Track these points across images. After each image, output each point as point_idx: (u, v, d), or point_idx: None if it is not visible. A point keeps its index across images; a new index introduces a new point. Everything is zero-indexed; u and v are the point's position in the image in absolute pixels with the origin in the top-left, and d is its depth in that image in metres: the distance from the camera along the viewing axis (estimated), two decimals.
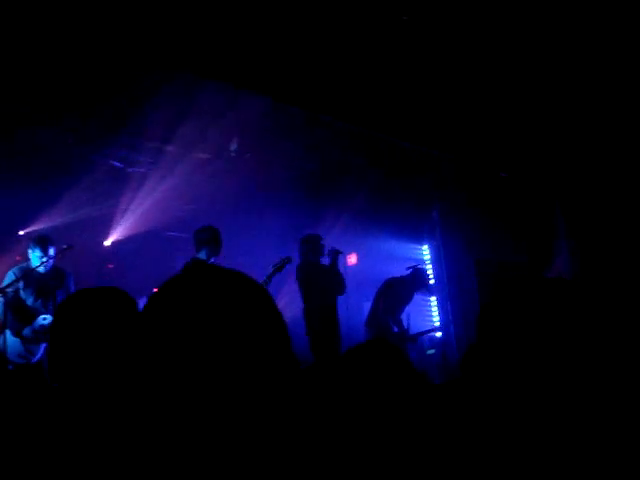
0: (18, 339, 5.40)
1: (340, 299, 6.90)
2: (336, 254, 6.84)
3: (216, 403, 0.93)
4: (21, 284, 5.54)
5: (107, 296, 1.75)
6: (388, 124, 6.71)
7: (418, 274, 7.93)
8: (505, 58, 5.74)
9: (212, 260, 5.93)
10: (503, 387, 1.25)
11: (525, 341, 1.26)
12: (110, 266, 8.52)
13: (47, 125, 6.85)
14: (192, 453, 0.93)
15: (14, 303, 5.48)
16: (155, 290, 1.08)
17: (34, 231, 7.22)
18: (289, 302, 7.33)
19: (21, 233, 7.43)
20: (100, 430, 1.48)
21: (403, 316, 7.64)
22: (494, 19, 5.20)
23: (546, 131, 6.87)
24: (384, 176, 8.60)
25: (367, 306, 8.04)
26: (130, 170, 7.88)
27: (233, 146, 7.97)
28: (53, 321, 1.78)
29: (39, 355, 5.47)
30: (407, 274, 7.90)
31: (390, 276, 7.88)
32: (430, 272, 9.18)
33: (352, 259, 9.51)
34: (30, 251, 5.58)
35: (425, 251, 9.65)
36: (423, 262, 9.36)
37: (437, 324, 8.94)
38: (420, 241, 9.64)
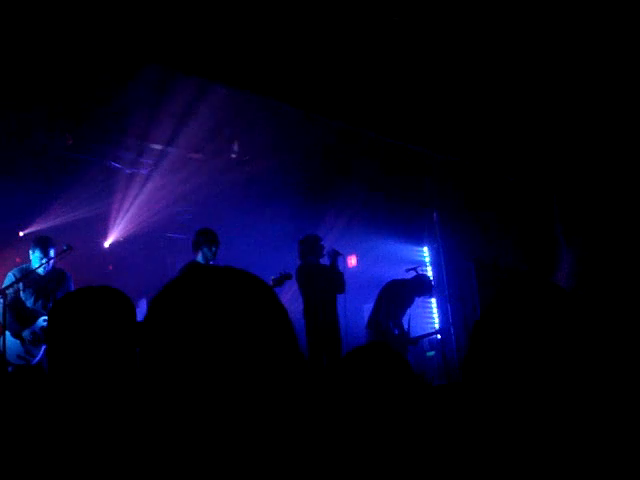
0: (18, 340, 5.40)
1: (339, 300, 6.91)
2: (336, 255, 6.85)
3: (223, 403, 0.93)
4: (21, 285, 5.54)
5: (102, 295, 1.75)
6: (389, 126, 6.71)
7: (422, 280, 7.93)
8: (504, 60, 5.74)
9: (210, 263, 5.94)
10: (504, 389, 1.25)
11: (525, 345, 1.26)
12: (110, 267, 8.52)
13: (46, 126, 6.86)
14: (196, 453, 0.93)
15: (14, 305, 5.48)
16: (157, 292, 1.07)
17: (34, 232, 7.22)
18: (288, 302, 7.33)
19: (21, 234, 7.43)
20: (98, 429, 1.48)
21: (404, 319, 7.64)
22: (495, 23, 5.21)
23: (546, 135, 6.87)
24: (384, 178, 8.61)
25: (367, 308, 8.03)
26: (129, 172, 7.88)
27: (234, 148, 7.98)
28: (48, 321, 1.78)
29: (39, 356, 5.46)
30: (410, 278, 7.89)
31: (391, 278, 7.87)
32: (430, 274, 9.18)
33: (352, 261, 9.52)
34: (30, 252, 5.59)
35: (425, 253, 9.66)
36: (423, 264, 9.36)
37: (437, 326, 8.94)
38: (420, 243, 9.64)
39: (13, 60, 5.44)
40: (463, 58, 5.70)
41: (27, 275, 5.52)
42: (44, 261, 5.51)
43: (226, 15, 4.85)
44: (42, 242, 5.59)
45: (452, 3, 5.05)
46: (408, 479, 1.42)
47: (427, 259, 9.57)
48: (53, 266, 5.68)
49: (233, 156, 8.22)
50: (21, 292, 5.56)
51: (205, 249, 5.91)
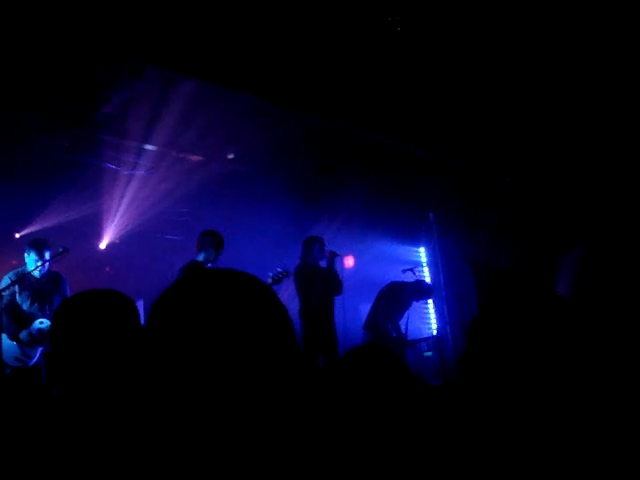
0: (15, 343, 5.39)
1: (337, 301, 6.92)
2: (333, 256, 6.86)
3: (224, 404, 0.93)
4: (17, 288, 5.53)
5: (105, 299, 1.75)
6: (386, 128, 6.72)
7: (421, 284, 7.94)
8: (502, 60, 5.75)
9: (208, 265, 5.93)
10: (500, 388, 1.25)
11: (520, 344, 1.27)
12: (107, 269, 8.51)
13: (42, 128, 6.85)
14: (197, 453, 0.93)
15: (10, 308, 5.46)
16: (159, 296, 1.07)
17: (30, 234, 7.22)
18: (285, 301, 7.31)
19: (17, 236, 7.42)
20: (98, 434, 1.48)
21: (402, 321, 7.65)
22: (494, 25, 5.22)
23: (544, 136, 6.88)
24: (381, 179, 8.61)
25: (364, 308, 8.03)
26: (126, 173, 7.88)
27: (231, 150, 7.99)
28: (51, 325, 1.77)
29: (36, 358, 5.45)
30: (410, 281, 7.90)
31: (388, 279, 7.88)
32: (427, 275, 9.19)
33: (349, 262, 9.52)
34: (26, 255, 5.57)
35: (422, 254, 9.67)
36: (420, 265, 9.37)
37: (435, 332, 8.95)
38: (417, 244, 9.65)
39: (9, 62, 5.44)
40: (459, 59, 5.71)
41: (23, 278, 5.50)
42: (40, 264, 5.50)
43: (221, 15, 4.86)
44: (37, 244, 5.58)
45: (452, 5, 5.06)
46: (404, 478, 1.42)
47: (424, 260, 9.58)
48: (49, 268, 5.66)
49: (230, 157, 8.23)
50: (17, 295, 5.55)
51: (210, 250, 5.92)
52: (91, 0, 4.54)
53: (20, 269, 5.62)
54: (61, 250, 5.65)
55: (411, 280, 7.93)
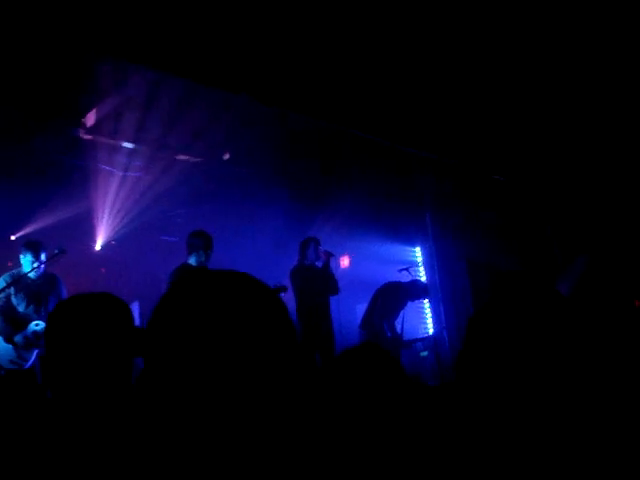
0: (10, 345, 5.38)
1: (332, 301, 6.93)
2: (328, 256, 6.87)
3: (227, 405, 0.93)
4: (12, 290, 5.51)
5: (100, 302, 1.75)
6: (383, 128, 6.72)
7: (417, 285, 7.96)
8: (500, 61, 5.76)
9: (202, 266, 5.89)
10: (497, 388, 1.26)
11: (517, 344, 1.27)
12: (102, 270, 8.50)
13: (38, 130, 6.84)
14: (198, 454, 0.93)
15: (5, 310, 5.45)
16: (161, 299, 1.06)
17: (26, 235, 7.21)
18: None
19: (13, 238, 7.40)
20: (93, 436, 1.48)
21: (397, 321, 7.66)
22: (490, 24, 5.23)
23: (541, 135, 6.89)
24: (377, 179, 8.62)
25: (360, 308, 8.04)
26: (121, 174, 7.88)
27: (226, 156, 8.00)
28: (46, 328, 1.77)
29: (31, 361, 5.44)
30: (405, 281, 7.92)
31: (384, 279, 7.89)
32: (422, 275, 9.20)
33: (345, 261, 9.53)
34: (21, 256, 5.54)
35: (417, 253, 9.68)
36: (416, 264, 9.38)
37: (431, 332, 8.96)
38: (413, 243, 9.66)
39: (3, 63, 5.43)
40: (457, 60, 5.71)
41: (18, 280, 5.49)
42: (36, 265, 5.48)
43: (215, 17, 4.85)
44: (33, 246, 5.56)
45: (452, 7, 5.06)
46: (402, 478, 1.42)
47: (420, 259, 9.59)
48: (44, 270, 5.65)
49: (226, 157, 8.23)
50: (12, 297, 5.52)
51: (200, 252, 5.82)
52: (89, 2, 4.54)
53: (15, 271, 5.60)
54: (57, 251, 5.64)
55: (407, 280, 7.95)
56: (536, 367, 1.23)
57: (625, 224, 6.64)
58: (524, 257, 8.00)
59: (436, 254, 9.05)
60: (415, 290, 7.86)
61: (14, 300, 5.53)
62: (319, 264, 6.87)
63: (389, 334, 7.51)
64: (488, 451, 1.19)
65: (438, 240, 8.99)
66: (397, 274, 8.15)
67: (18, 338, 5.38)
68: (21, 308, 5.53)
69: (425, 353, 8.20)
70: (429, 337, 8.55)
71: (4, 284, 5.45)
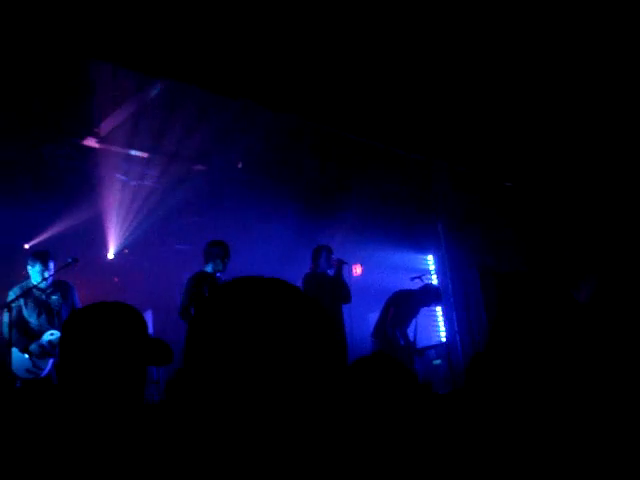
0: (25, 355, 5.39)
1: (345, 309, 6.92)
2: (340, 264, 6.87)
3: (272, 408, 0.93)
4: (22, 302, 5.49)
5: (113, 311, 1.76)
6: (393, 135, 6.72)
7: (429, 290, 7.94)
8: (508, 66, 5.75)
9: (218, 275, 5.99)
10: (507, 396, 1.26)
11: (531, 353, 1.27)
12: (115, 280, 8.54)
13: (49, 139, 6.90)
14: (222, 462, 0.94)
15: (18, 322, 5.43)
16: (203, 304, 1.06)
17: (39, 243, 7.26)
18: None
19: (26, 247, 7.45)
20: (109, 443, 1.49)
21: (410, 329, 7.63)
22: (495, 25, 5.22)
23: (549, 141, 6.87)
24: (389, 186, 8.63)
25: (372, 317, 8.02)
26: (134, 184, 7.92)
27: (239, 165, 8.03)
28: (61, 336, 1.78)
29: (47, 369, 5.46)
30: (417, 288, 7.90)
31: (397, 287, 7.88)
32: (435, 282, 9.17)
33: (357, 270, 9.52)
34: (30, 267, 5.53)
35: (430, 261, 9.65)
36: (428, 272, 9.36)
37: (444, 339, 8.91)
38: (425, 251, 9.64)
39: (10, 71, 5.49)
40: (471, 67, 5.70)
41: (28, 292, 5.47)
42: (46, 275, 5.49)
43: (214, 20, 4.86)
44: (41, 256, 5.56)
45: (452, 9, 5.06)
46: None
47: (432, 267, 9.56)
48: (54, 279, 5.64)
49: (239, 166, 8.26)
50: (24, 309, 5.51)
51: (217, 261, 5.98)
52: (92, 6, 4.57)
53: (24, 283, 5.59)
54: (70, 260, 5.66)
55: (419, 287, 7.93)
56: (547, 374, 1.23)
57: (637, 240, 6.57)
58: (536, 265, 7.96)
59: (448, 262, 9.02)
60: (428, 296, 7.84)
61: (25, 312, 5.52)
62: (331, 272, 6.88)
63: (402, 342, 7.48)
64: (494, 455, 1.19)
65: (450, 248, 8.96)
66: (410, 282, 8.13)
67: (33, 347, 5.40)
68: (33, 319, 5.52)
69: (438, 361, 8.17)
70: (442, 345, 8.51)
71: (14, 296, 5.45)
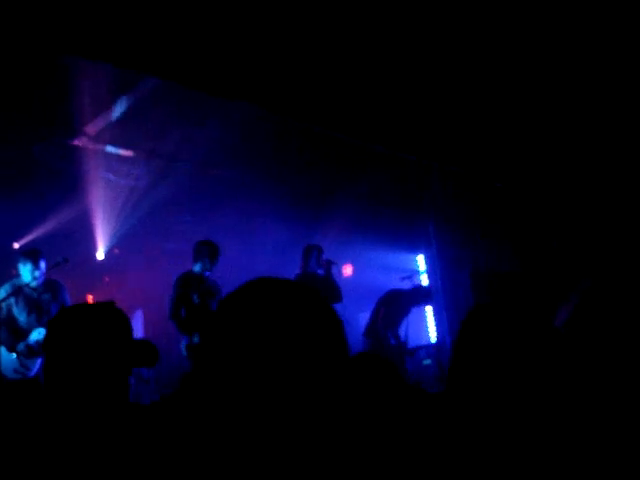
0: (13, 355, 5.38)
1: (335, 309, 6.92)
2: (329, 264, 6.88)
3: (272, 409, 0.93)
4: (12, 301, 5.48)
5: (100, 312, 1.76)
6: (384, 136, 6.73)
7: (419, 290, 7.97)
8: (499, 67, 5.77)
9: (206, 274, 6.01)
10: (489, 394, 1.26)
11: (505, 354, 1.28)
12: (106, 279, 8.51)
13: (40, 138, 6.87)
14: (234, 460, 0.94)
15: (7, 320, 5.43)
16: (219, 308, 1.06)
17: (29, 242, 7.23)
18: None
19: (16, 246, 7.42)
20: (96, 442, 1.49)
21: (401, 328, 7.66)
22: (484, 26, 5.23)
23: (543, 142, 6.88)
24: (379, 186, 8.63)
25: (363, 316, 8.04)
26: (123, 182, 7.89)
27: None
28: (46, 335, 1.78)
29: (35, 369, 5.44)
30: (408, 288, 7.93)
31: (387, 287, 7.90)
32: (426, 282, 9.20)
33: (347, 270, 9.53)
34: (21, 266, 5.51)
35: (420, 261, 9.68)
36: (418, 272, 9.38)
37: (434, 340, 8.94)
38: (415, 251, 9.66)
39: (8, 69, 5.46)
40: (462, 66, 5.71)
41: (19, 290, 5.46)
42: (36, 274, 5.48)
43: (212, 22, 4.87)
44: (33, 255, 5.54)
45: (448, 11, 5.07)
46: None
47: (423, 267, 9.59)
48: (45, 278, 5.63)
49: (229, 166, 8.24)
50: (13, 307, 5.49)
51: (206, 260, 6.00)
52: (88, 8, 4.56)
53: (16, 281, 5.58)
54: (61, 260, 5.65)
55: (409, 287, 7.96)
56: (524, 378, 1.24)
57: (633, 244, 6.59)
58: (528, 266, 7.99)
59: (439, 262, 9.04)
60: (418, 296, 7.88)
61: (15, 310, 5.50)
62: (321, 272, 6.88)
63: (393, 342, 7.50)
64: (481, 456, 1.20)
65: (441, 248, 8.98)
66: (400, 282, 8.15)
67: (21, 347, 5.38)
68: (23, 318, 5.51)
69: (428, 361, 8.20)
70: (432, 345, 8.54)
71: (5, 294, 5.43)
